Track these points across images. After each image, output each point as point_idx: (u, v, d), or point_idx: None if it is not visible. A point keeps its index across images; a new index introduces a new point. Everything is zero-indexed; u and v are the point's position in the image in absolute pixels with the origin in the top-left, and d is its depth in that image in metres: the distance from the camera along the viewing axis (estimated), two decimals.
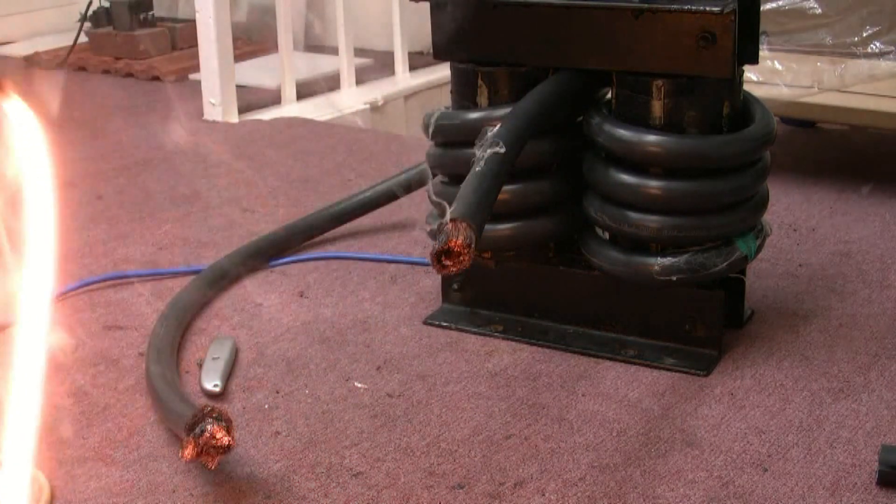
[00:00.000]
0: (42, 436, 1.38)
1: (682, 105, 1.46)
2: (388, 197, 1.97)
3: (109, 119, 2.89)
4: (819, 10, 2.23)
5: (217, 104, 2.81)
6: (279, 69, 3.00)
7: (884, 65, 2.20)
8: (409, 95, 3.19)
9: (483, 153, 1.35)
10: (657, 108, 1.47)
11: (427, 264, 1.67)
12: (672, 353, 1.54)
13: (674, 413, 1.41)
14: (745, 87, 1.54)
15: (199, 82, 2.89)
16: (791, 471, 1.28)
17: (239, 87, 2.90)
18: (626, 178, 1.49)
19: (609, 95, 1.55)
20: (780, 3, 2.25)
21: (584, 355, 1.55)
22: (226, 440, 1.21)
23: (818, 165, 2.33)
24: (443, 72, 3.10)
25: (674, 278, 1.49)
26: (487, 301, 1.67)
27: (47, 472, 1.30)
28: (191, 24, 3.15)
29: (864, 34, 2.21)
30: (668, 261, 1.49)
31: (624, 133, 1.48)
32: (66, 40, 3.57)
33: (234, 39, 2.89)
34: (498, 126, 1.40)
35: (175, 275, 1.86)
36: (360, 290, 1.79)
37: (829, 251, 1.88)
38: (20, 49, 3.68)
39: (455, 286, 1.69)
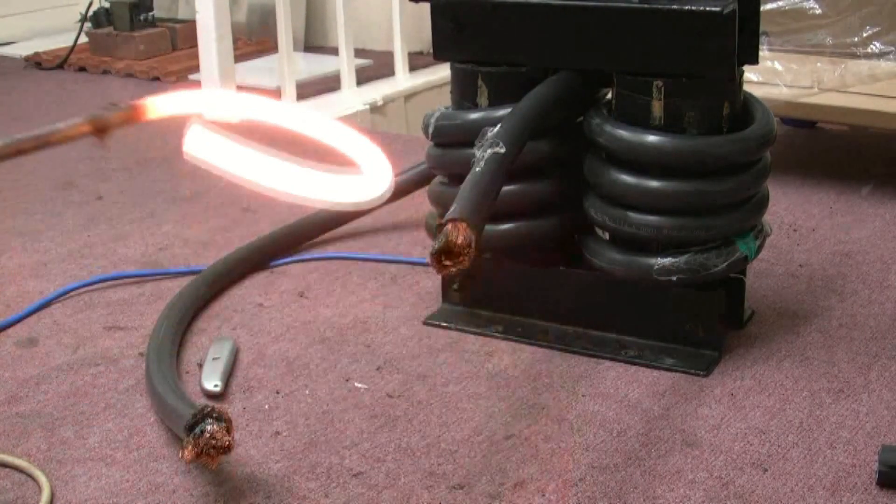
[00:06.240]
0: (42, 436, 1.39)
1: (682, 105, 1.46)
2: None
3: None
4: (819, 10, 2.23)
5: None
6: (279, 69, 3.00)
7: (884, 65, 2.20)
8: (409, 95, 3.19)
9: (483, 153, 1.35)
10: (657, 108, 1.47)
11: (427, 264, 1.67)
12: (672, 353, 1.53)
13: (674, 413, 1.41)
14: (745, 87, 1.54)
15: (199, 82, 2.90)
16: (791, 471, 1.28)
17: (239, 87, 2.90)
18: (627, 178, 1.49)
19: (609, 96, 1.55)
20: (780, 3, 2.24)
21: (584, 355, 1.55)
22: (226, 440, 1.21)
23: (818, 165, 2.33)
24: (443, 72, 3.11)
25: (674, 278, 1.49)
26: (487, 301, 1.67)
27: (47, 472, 1.30)
28: (191, 24, 3.15)
29: (864, 34, 2.21)
30: (668, 261, 1.49)
31: (624, 133, 1.48)
32: (66, 40, 3.57)
33: (234, 39, 2.89)
34: (498, 126, 1.40)
35: (175, 275, 1.86)
36: (360, 291, 1.79)
37: (829, 251, 1.88)
38: (20, 49, 3.68)
39: (455, 286, 1.69)
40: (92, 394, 1.49)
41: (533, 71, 1.55)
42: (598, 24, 1.50)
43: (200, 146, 0.84)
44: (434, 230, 1.58)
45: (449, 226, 1.23)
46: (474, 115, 1.56)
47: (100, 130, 0.80)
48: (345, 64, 3.10)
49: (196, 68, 2.98)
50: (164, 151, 2.58)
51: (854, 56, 2.22)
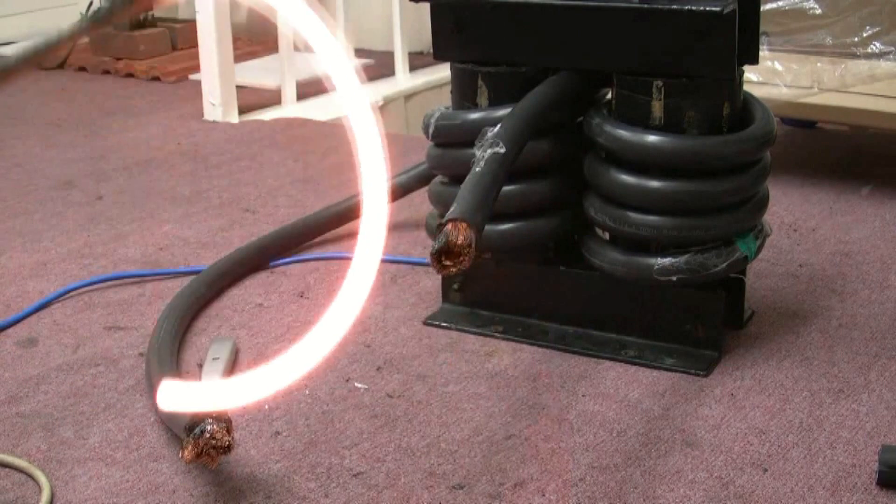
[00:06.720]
0: (42, 436, 1.39)
1: (682, 105, 1.46)
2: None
3: (109, 119, 2.89)
4: (819, 10, 2.23)
5: (217, 104, 2.81)
6: (279, 69, 3.00)
7: (884, 65, 2.19)
8: (409, 95, 3.19)
9: (483, 153, 1.35)
10: (657, 108, 1.47)
11: (427, 264, 1.67)
12: (672, 353, 1.53)
13: (674, 413, 1.41)
14: (745, 87, 1.54)
15: (199, 82, 2.90)
16: (791, 471, 1.28)
17: (239, 87, 2.90)
18: (626, 178, 1.49)
19: (609, 96, 1.55)
20: (780, 3, 2.24)
21: (585, 355, 1.55)
22: (226, 441, 1.21)
23: (818, 165, 2.33)
24: (443, 72, 3.11)
25: (674, 278, 1.49)
26: (487, 301, 1.67)
27: (47, 472, 1.30)
28: (191, 24, 3.15)
29: (864, 34, 2.21)
30: (668, 261, 1.49)
31: (624, 133, 1.48)
32: None
33: (234, 39, 2.89)
34: (498, 126, 1.40)
35: (175, 275, 1.86)
36: None
37: (829, 251, 1.88)
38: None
39: (455, 286, 1.69)
40: (92, 394, 1.49)
41: (533, 71, 1.55)
42: (597, 24, 1.50)
43: None
44: (434, 230, 1.58)
45: (449, 226, 1.23)
46: (474, 115, 1.56)
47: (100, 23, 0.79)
48: None
49: (196, 68, 2.98)
50: (164, 151, 2.59)
51: (854, 56, 2.22)
